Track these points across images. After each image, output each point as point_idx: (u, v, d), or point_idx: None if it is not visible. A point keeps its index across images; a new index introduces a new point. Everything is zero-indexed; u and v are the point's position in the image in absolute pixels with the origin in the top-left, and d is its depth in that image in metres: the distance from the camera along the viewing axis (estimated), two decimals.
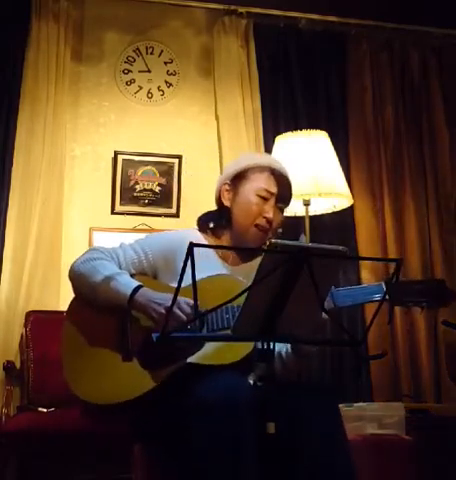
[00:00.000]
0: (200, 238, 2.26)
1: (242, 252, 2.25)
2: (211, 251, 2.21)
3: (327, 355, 4.09)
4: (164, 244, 2.22)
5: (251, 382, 2.08)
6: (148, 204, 4.17)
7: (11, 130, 3.92)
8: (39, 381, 3.47)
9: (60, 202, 3.95)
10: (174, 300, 1.58)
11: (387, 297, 1.93)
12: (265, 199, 2.21)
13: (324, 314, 1.79)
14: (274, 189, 2.21)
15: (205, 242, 2.23)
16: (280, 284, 1.61)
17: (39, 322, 3.62)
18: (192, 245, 1.54)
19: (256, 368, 2.10)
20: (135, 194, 4.16)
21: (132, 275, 2.15)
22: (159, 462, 2.08)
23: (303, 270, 1.59)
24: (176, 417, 1.90)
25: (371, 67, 4.50)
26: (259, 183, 2.22)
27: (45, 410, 3.29)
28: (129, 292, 2.04)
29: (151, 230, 4.03)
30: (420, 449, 2.95)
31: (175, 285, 2.11)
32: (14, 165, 3.88)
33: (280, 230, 2.27)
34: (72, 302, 2.19)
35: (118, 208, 4.12)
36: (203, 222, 2.30)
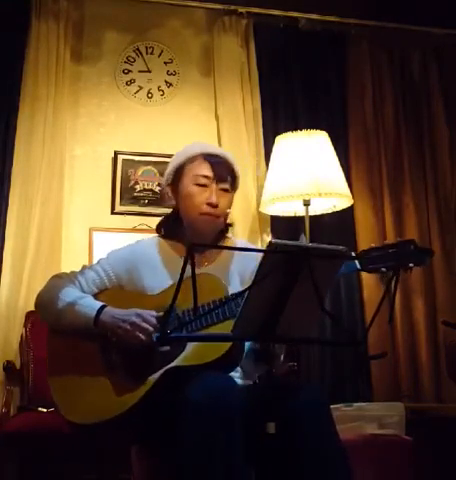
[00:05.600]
0: (159, 245, 2.29)
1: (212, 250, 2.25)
2: (176, 255, 2.23)
3: (327, 355, 4.09)
4: (125, 259, 2.25)
5: (251, 382, 2.08)
6: (148, 204, 4.16)
7: (11, 130, 3.91)
8: (39, 381, 3.46)
9: (60, 202, 3.95)
10: (173, 302, 1.58)
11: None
12: (204, 186, 2.21)
13: None
14: (209, 172, 2.21)
15: (162, 248, 2.26)
16: (280, 284, 1.61)
17: (39, 322, 3.61)
18: (192, 245, 1.55)
19: (257, 368, 2.10)
20: (135, 194, 4.15)
21: (96, 294, 2.18)
22: (157, 463, 2.08)
23: (303, 270, 1.59)
24: (167, 419, 1.90)
25: (371, 67, 4.49)
26: (193, 172, 2.22)
27: (45, 410, 3.29)
28: (93, 314, 2.08)
29: (151, 230, 4.02)
30: (420, 449, 2.95)
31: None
32: (14, 165, 3.87)
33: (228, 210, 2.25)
34: (49, 331, 2.22)
35: (118, 208, 4.11)
36: (160, 228, 2.35)
